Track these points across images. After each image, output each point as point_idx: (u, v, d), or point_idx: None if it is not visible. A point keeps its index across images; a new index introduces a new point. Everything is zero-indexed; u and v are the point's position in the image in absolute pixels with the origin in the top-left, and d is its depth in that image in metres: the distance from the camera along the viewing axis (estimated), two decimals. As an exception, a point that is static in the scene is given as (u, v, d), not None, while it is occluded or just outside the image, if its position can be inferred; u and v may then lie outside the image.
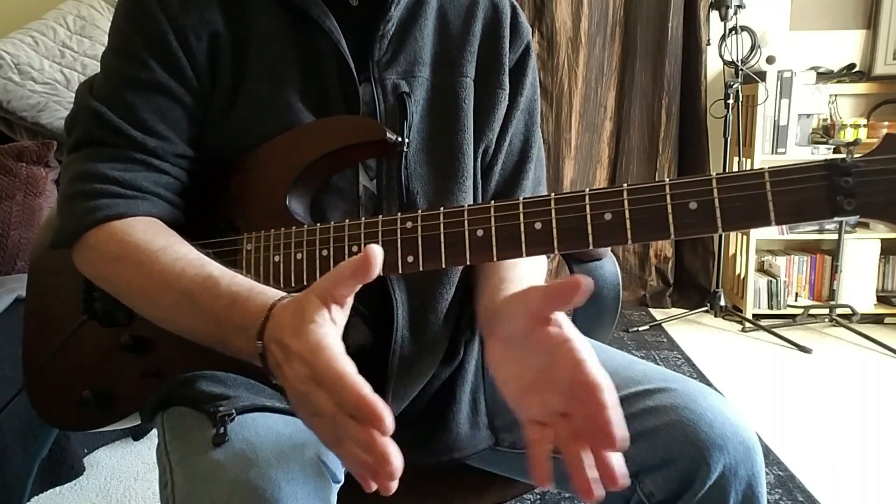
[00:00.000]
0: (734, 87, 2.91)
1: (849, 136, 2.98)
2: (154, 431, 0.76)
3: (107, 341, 0.82)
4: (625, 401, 0.75)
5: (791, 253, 3.24)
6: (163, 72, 0.76)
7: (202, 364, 0.75)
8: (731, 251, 3.30)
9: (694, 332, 2.98)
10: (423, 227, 0.67)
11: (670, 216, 0.58)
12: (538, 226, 0.63)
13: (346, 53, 0.78)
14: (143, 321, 0.77)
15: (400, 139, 0.77)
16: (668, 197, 0.58)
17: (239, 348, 0.62)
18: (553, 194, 0.63)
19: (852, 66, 3.17)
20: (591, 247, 0.61)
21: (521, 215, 0.63)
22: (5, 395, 0.91)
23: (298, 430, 0.68)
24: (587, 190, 0.61)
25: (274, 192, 0.76)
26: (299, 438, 0.67)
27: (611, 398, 0.57)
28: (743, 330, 2.98)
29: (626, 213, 0.59)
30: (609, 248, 1.06)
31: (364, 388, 0.51)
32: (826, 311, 3.05)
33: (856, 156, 0.54)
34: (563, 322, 0.61)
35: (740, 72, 2.93)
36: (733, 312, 3.10)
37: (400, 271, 0.68)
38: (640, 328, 2.97)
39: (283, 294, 0.62)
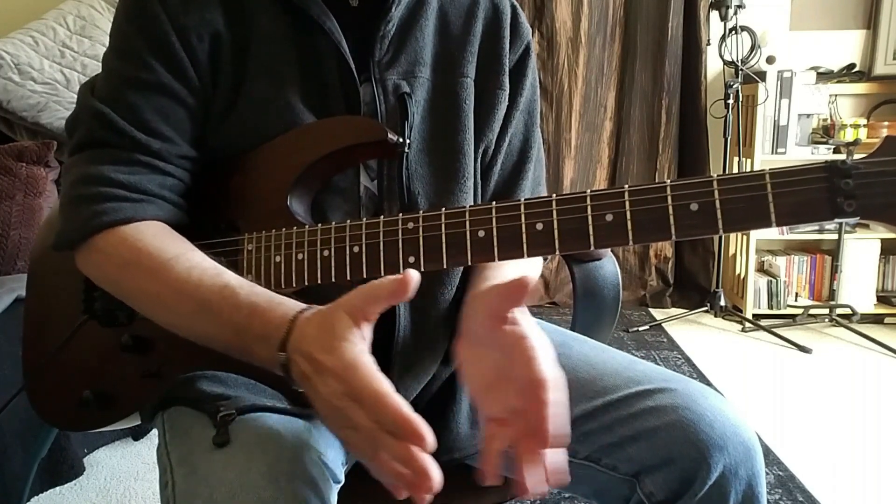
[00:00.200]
0: (734, 87, 2.91)
1: (849, 136, 2.98)
2: (154, 431, 0.76)
3: (107, 341, 0.82)
4: (625, 401, 0.76)
5: (791, 253, 3.24)
6: (165, 72, 0.76)
7: (202, 364, 0.75)
8: (732, 251, 3.30)
9: (694, 332, 2.98)
10: (425, 227, 0.67)
11: (671, 217, 0.58)
12: (539, 227, 0.63)
13: (347, 54, 0.78)
14: (143, 321, 0.77)
15: (401, 140, 0.77)
16: (670, 198, 0.58)
17: (259, 357, 0.64)
18: (554, 195, 0.63)
19: (852, 66, 3.17)
20: (592, 248, 0.61)
21: (523, 216, 0.63)
22: (5, 395, 0.91)
23: (299, 430, 0.68)
24: (588, 191, 0.61)
25: (275, 192, 0.76)
26: (299, 438, 0.67)
27: (553, 396, 0.58)
28: (743, 330, 2.98)
29: (628, 214, 0.59)
30: (609, 249, 1.06)
31: (404, 407, 0.53)
32: (826, 311, 3.05)
33: (856, 157, 0.54)
34: (521, 319, 0.62)
35: (740, 72, 2.93)
36: (733, 312, 3.10)
37: (401, 272, 0.68)
38: (640, 328, 2.97)
39: (303, 305, 0.63)
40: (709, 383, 2.37)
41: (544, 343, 0.61)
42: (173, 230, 0.75)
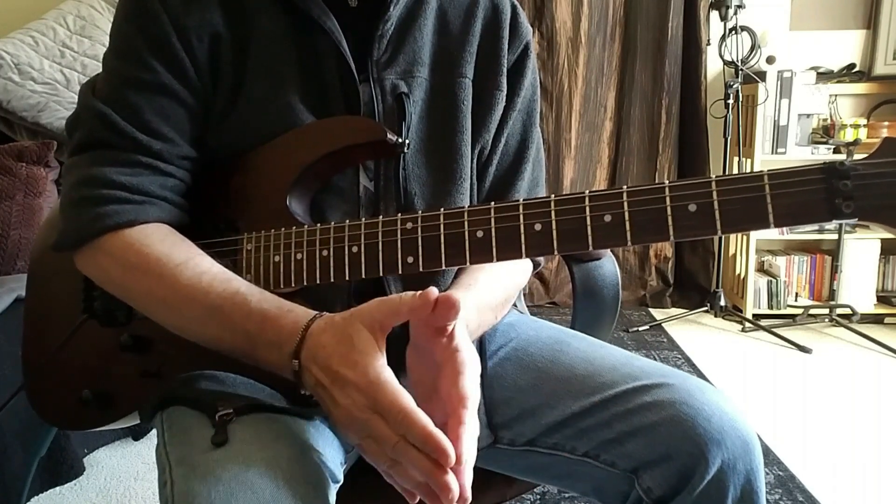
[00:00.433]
0: (734, 87, 2.91)
1: (849, 136, 2.98)
2: (154, 431, 0.76)
3: (106, 341, 0.82)
4: (623, 396, 0.76)
5: (791, 253, 3.24)
6: (166, 72, 0.76)
7: (202, 364, 0.75)
8: (732, 251, 3.30)
9: (694, 332, 2.98)
10: (423, 227, 0.67)
11: (670, 218, 0.58)
12: (538, 227, 0.63)
13: (347, 53, 0.78)
14: (143, 321, 0.77)
15: (400, 140, 0.77)
16: (668, 199, 0.58)
17: (269, 362, 0.66)
18: (553, 196, 0.63)
19: (852, 66, 3.17)
20: (590, 248, 0.61)
21: (521, 217, 0.63)
22: (5, 395, 0.91)
23: (298, 429, 0.69)
24: (587, 192, 0.61)
25: (274, 192, 0.76)
26: (298, 438, 0.67)
27: (470, 416, 0.58)
28: (743, 330, 2.98)
29: (626, 214, 0.59)
30: (609, 249, 1.06)
31: (429, 424, 0.55)
32: (826, 311, 3.05)
33: (855, 157, 0.54)
34: (457, 333, 0.62)
35: (740, 72, 2.93)
36: (733, 312, 3.10)
37: (400, 272, 0.68)
38: (640, 328, 2.97)
39: (314, 313, 0.65)
40: (709, 383, 2.37)
41: (474, 360, 0.62)
42: (178, 233, 0.76)
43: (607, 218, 0.60)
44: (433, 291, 0.59)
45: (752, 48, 3.07)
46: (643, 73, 3.27)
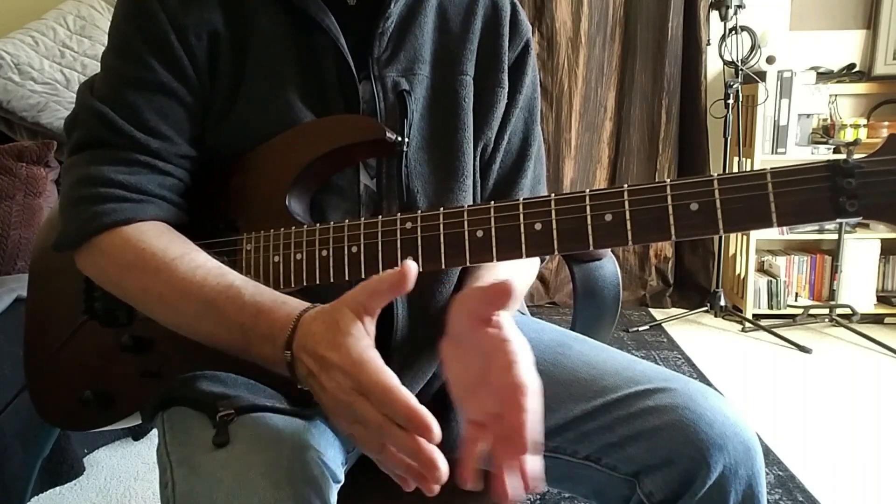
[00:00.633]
0: (734, 87, 2.91)
1: (849, 136, 2.98)
2: (154, 431, 0.76)
3: (107, 341, 0.82)
4: (625, 400, 0.76)
5: (791, 253, 3.24)
6: (164, 72, 0.76)
7: (202, 364, 0.75)
8: (732, 251, 3.30)
9: (694, 332, 2.98)
10: (423, 227, 0.67)
11: (671, 217, 0.58)
12: (538, 227, 0.62)
13: (346, 52, 0.78)
14: (144, 321, 0.77)
15: (399, 138, 0.77)
16: (669, 198, 0.58)
17: (264, 356, 0.65)
18: (553, 195, 0.62)
19: (852, 66, 3.17)
20: (591, 248, 0.61)
21: (521, 216, 0.63)
22: (5, 395, 0.91)
23: (298, 429, 0.68)
24: (587, 191, 0.61)
25: (273, 191, 0.76)
26: (299, 438, 0.67)
27: (532, 402, 0.58)
28: (743, 330, 2.98)
29: (627, 213, 0.59)
30: (609, 249, 1.06)
31: (411, 399, 0.54)
32: (826, 311, 3.05)
33: (858, 156, 0.54)
34: (503, 322, 0.62)
35: (740, 72, 2.93)
36: (733, 312, 3.10)
37: (400, 268, 0.68)
38: (640, 328, 2.97)
39: (308, 305, 0.64)
40: (709, 383, 2.37)
41: (525, 348, 0.61)
42: (175, 230, 0.75)
43: (608, 217, 0.60)
44: (409, 264, 0.58)
45: (752, 48, 3.07)
46: (643, 73, 3.27)
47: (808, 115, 3.09)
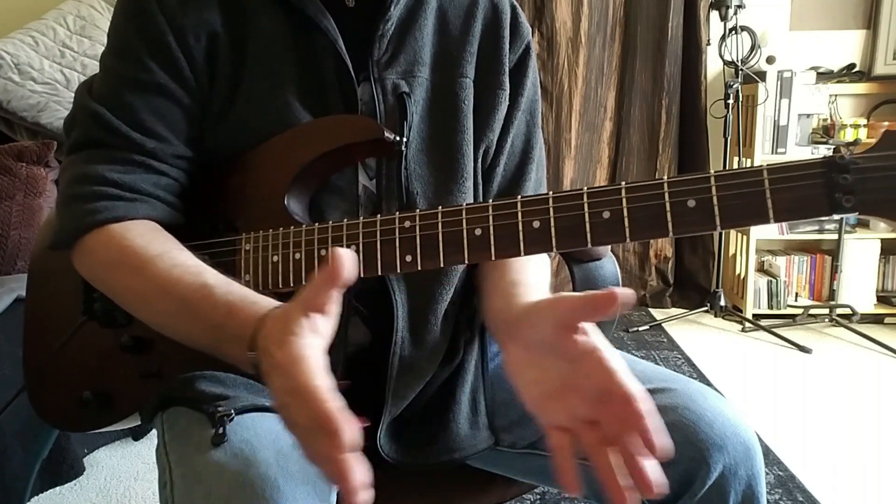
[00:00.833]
0: (734, 87, 2.91)
1: (849, 136, 2.98)
2: (154, 431, 0.76)
3: (106, 342, 0.82)
4: (625, 401, 0.75)
5: (791, 253, 3.24)
6: (162, 73, 0.76)
7: (202, 364, 0.75)
8: (731, 251, 3.30)
9: (694, 332, 2.98)
10: (422, 226, 0.67)
11: (668, 214, 0.58)
12: (536, 224, 0.62)
13: (344, 53, 0.78)
14: (143, 322, 0.77)
15: (398, 138, 0.77)
16: (667, 195, 0.58)
17: (234, 356, 0.63)
18: (551, 193, 0.62)
19: (852, 66, 3.17)
20: (589, 245, 0.61)
21: (520, 214, 0.63)
22: (5, 395, 0.91)
23: (297, 429, 0.68)
24: (585, 188, 0.61)
25: (272, 192, 0.76)
26: (298, 438, 0.67)
27: (646, 407, 0.56)
28: (743, 330, 2.98)
29: (625, 211, 0.59)
30: (609, 248, 1.06)
31: (329, 401, 0.50)
32: (826, 311, 3.05)
33: (854, 152, 0.54)
34: (590, 331, 0.60)
35: (740, 72, 2.93)
36: (733, 312, 3.09)
37: (398, 271, 0.68)
38: (640, 328, 2.97)
39: (277, 304, 0.61)
40: (709, 383, 2.37)
41: (616, 356, 0.60)
42: (162, 229, 0.75)
43: (606, 214, 0.60)
44: (338, 251, 0.55)
45: (752, 48, 3.07)
46: (643, 73, 3.27)
47: (808, 115, 3.09)
